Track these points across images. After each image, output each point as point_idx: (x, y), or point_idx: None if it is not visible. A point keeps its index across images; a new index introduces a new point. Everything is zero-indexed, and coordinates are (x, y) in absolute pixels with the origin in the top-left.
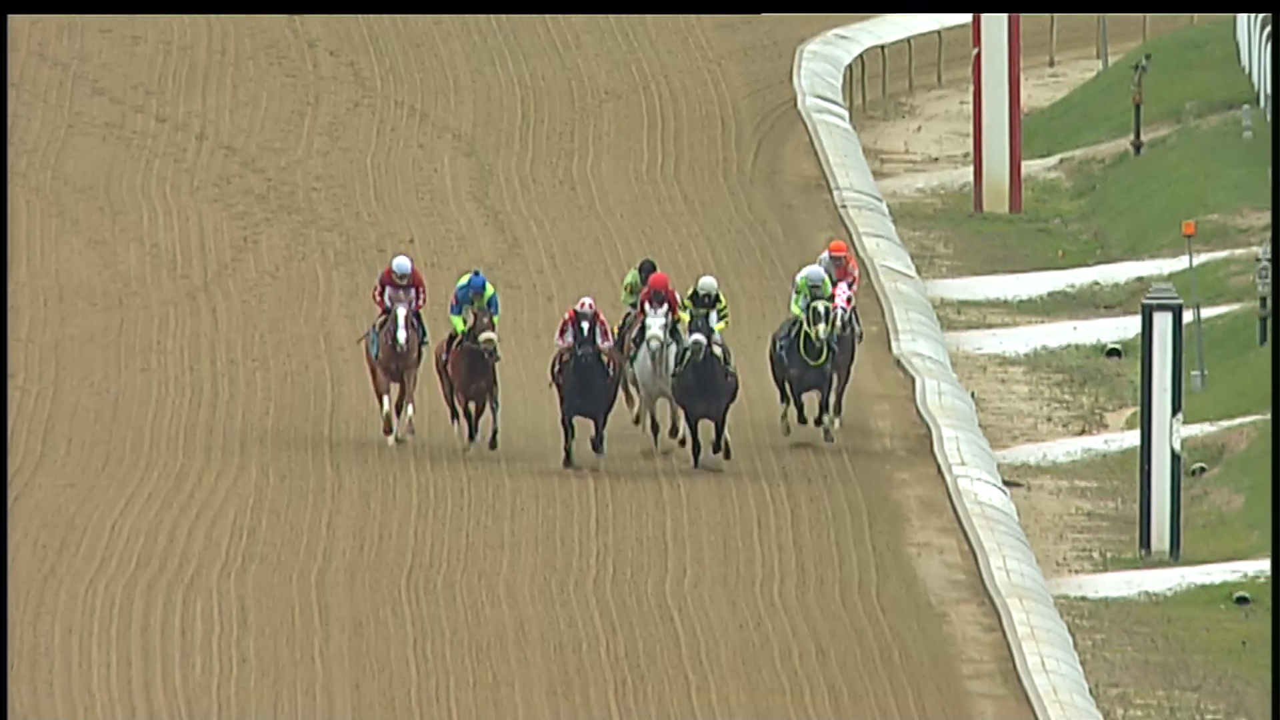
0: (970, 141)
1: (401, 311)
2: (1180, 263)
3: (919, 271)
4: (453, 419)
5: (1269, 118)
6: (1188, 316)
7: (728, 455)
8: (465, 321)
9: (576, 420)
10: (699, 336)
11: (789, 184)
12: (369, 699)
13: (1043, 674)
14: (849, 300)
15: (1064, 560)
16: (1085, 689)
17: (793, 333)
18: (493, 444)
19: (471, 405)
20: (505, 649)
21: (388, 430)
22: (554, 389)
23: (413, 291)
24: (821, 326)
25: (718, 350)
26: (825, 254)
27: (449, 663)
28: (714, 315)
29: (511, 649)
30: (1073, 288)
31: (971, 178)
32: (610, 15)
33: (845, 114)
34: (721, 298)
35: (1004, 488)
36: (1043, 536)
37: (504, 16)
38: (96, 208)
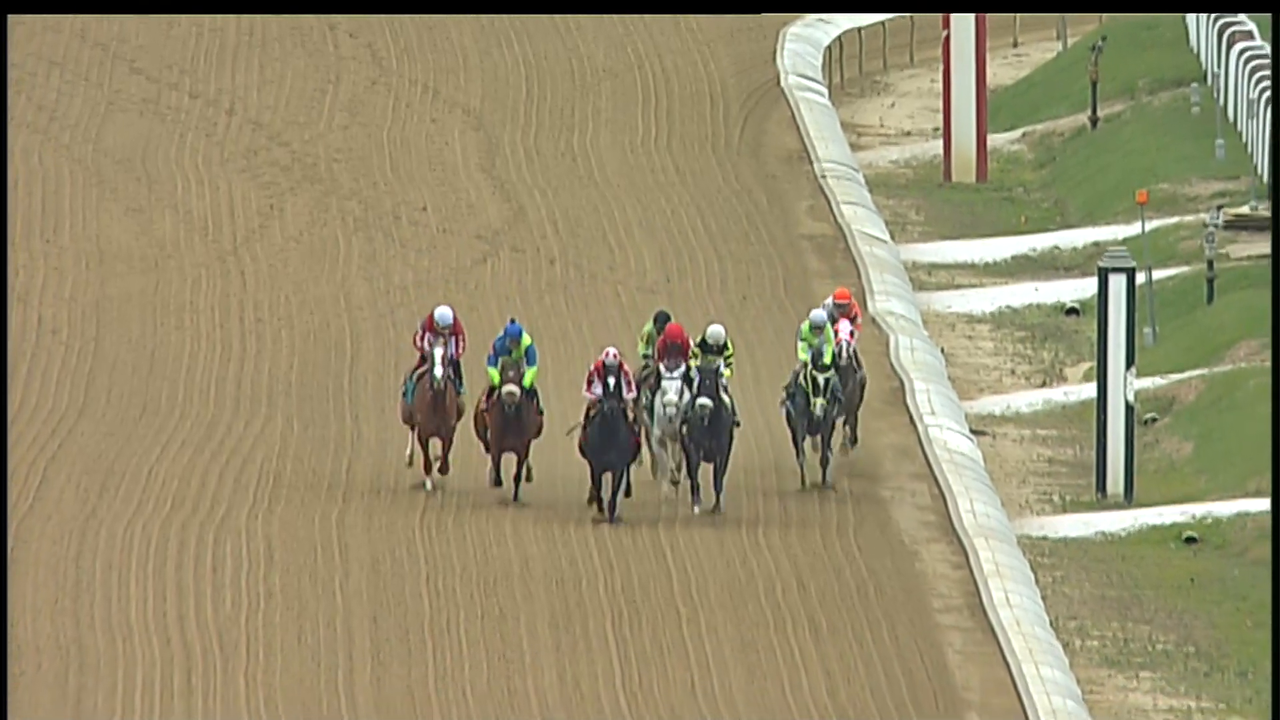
0: (940, 116)
1: (439, 352)
2: (1133, 228)
3: (892, 236)
4: (495, 466)
5: (1267, 113)
6: (1140, 278)
7: (720, 503)
8: (502, 375)
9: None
10: (705, 400)
11: (772, 156)
12: (385, 631)
13: (1007, 608)
14: (852, 334)
15: (1026, 503)
16: (1046, 622)
17: (799, 380)
18: (517, 479)
19: (506, 457)
20: (511, 584)
21: (410, 463)
22: (577, 439)
23: (454, 341)
24: (820, 402)
25: (725, 400)
26: (830, 300)
27: (459, 597)
28: (721, 363)
29: (517, 584)
30: (1034, 251)
31: (941, 150)
32: (613, 12)
33: (825, 91)
34: (729, 345)
35: (971, 436)
36: (1007, 481)
37: None
38: (134, 178)
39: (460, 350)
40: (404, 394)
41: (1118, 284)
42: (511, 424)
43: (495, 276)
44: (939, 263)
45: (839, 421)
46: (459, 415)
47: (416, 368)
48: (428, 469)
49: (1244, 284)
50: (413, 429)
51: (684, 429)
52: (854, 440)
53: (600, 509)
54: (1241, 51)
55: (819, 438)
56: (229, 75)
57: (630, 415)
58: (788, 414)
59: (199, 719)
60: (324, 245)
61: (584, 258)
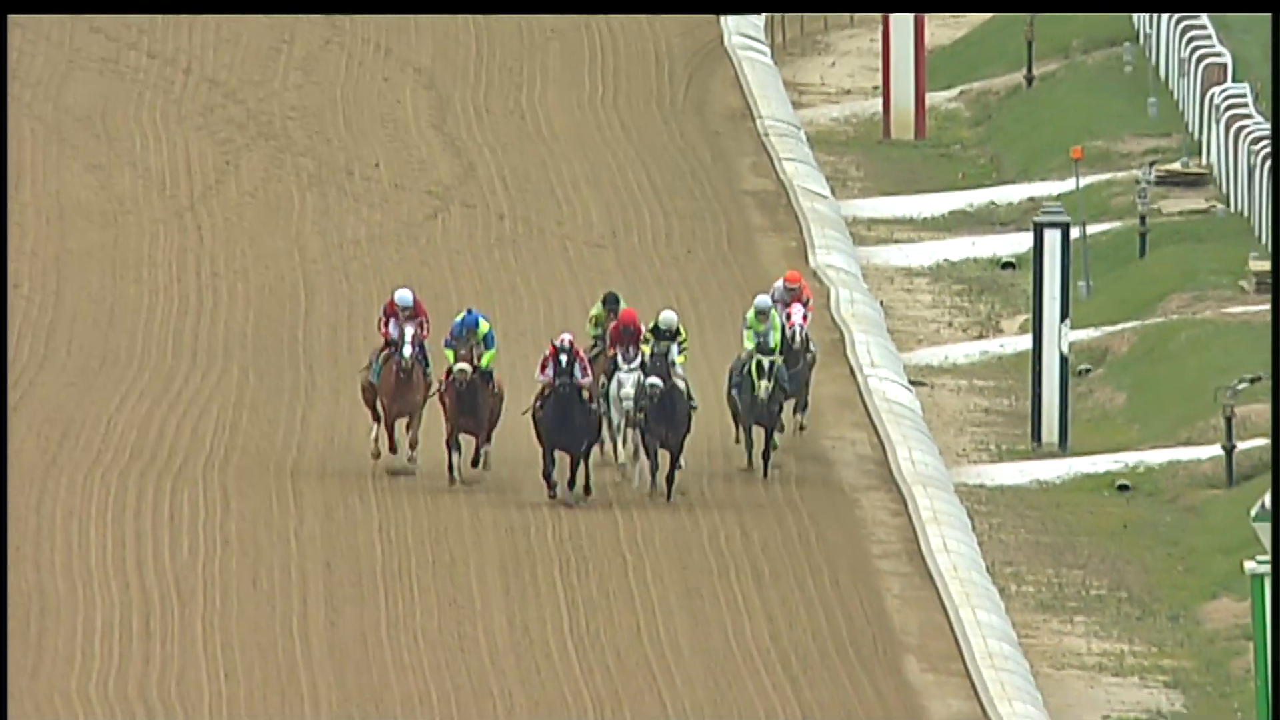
0: (879, 75)
1: (409, 330)
2: (1068, 184)
3: (833, 192)
4: (448, 449)
5: (1270, 108)
6: (1075, 233)
7: (672, 484)
8: (456, 355)
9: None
10: (655, 380)
11: (716, 113)
12: (339, 576)
13: (944, 554)
14: (805, 318)
15: (963, 452)
16: (982, 567)
17: (744, 369)
18: (475, 461)
19: (461, 441)
20: (461, 532)
21: (376, 456)
22: (532, 423)
23: (417, 322)
24: (764, 384)
25: (679, 383)
26: (780, 283)
27: (411, 544)
28: (674, 348)
29: (466, 532)
30: (971, 207)
31: (880, 108)
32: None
33: (767, 51)
34: (682, 330)
35: (910, 386)
36: (944, 430)
37: None
38: (94, 135)
39: (425, 332)
40: (373, 373)
41: (1052, 239)
42: (466, 404)
43: (446, 231)
44: (878, 218)
45: (788, 408)
46: (426, 394)
47: (382, 349)
48: (393, 448)
49: (1176, 238)
50: (374, 414)
51: (641, 416)
52: (802, 426)
53: (551, 489)
54: (1172, 13)
55: (765, 429)
56: (186, 35)
57: (587, 396)
58: (733, 402)
59: (157, 662)
60: (279, 200)
61: (532, 212)
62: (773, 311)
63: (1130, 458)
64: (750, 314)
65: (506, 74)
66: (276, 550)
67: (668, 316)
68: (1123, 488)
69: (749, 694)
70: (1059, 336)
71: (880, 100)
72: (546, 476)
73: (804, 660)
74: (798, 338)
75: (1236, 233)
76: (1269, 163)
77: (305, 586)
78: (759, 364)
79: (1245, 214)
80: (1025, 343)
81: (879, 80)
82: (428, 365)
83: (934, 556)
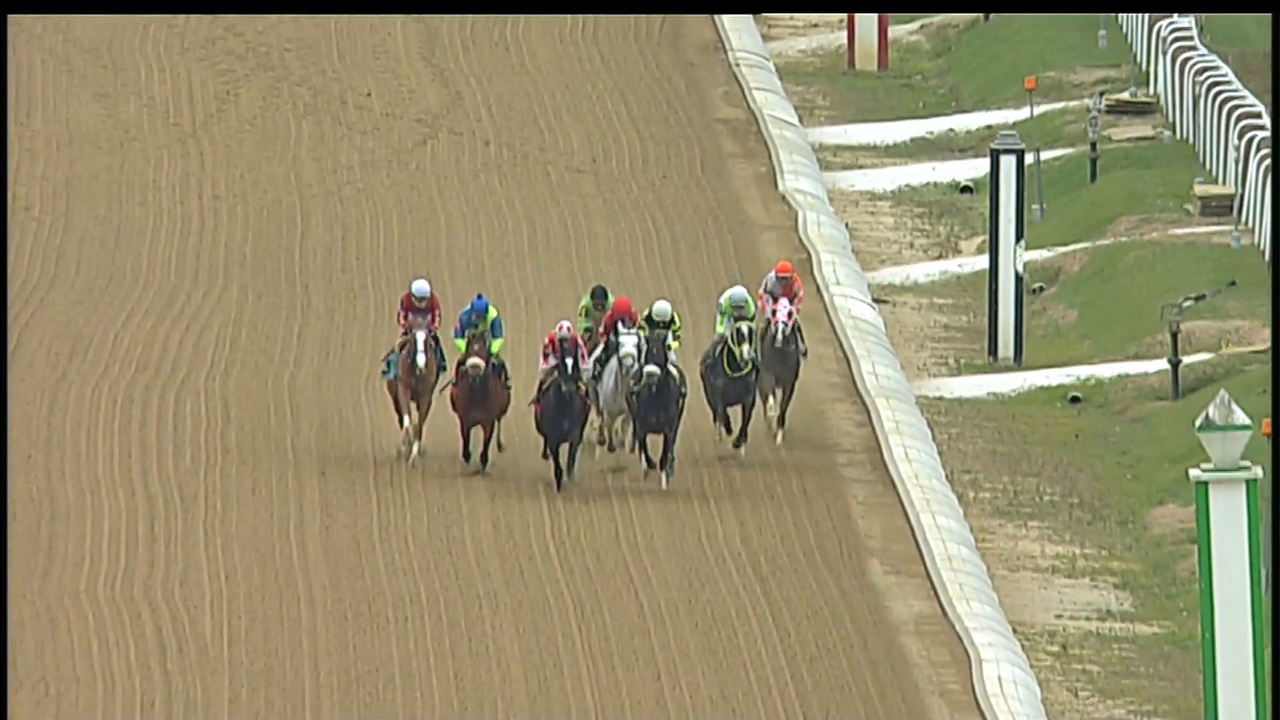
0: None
1: (421, 335)
2: (1023, 113)
3: (801, 120)
4: (462, 438)
5: (1270, 106)
6: (1029, 159)
7: (669, 473)
8: (468, 347)
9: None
10: (653, 368)
11: (690, 46)
12: (333, 484)
13: (906, 462)
14: (790, 314)
15: (924, 366)
16: (942, 475)
17: (717, 351)
18: (484, 457)
19: (474, 431)
20: (449, 443)
21: (408, 444)
22: (533, 417)
23: (430, 315)
24: (745, 347)
25: (674, 371)
26: (772, 274)
27: (401, 453)
28: (669, 335)
29: (454, 442)
30: (931, 134)
31: (845, 40)
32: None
33: None
34: (676, 319)
35: (873, 304)
36: (906, 345)
37: None
38: (101, 66)
39: (437, 324)
40: (384, 370)
41: (1008, 164)
42: (478, 396)
43: (434, 157)
44: (844, 144)
45: (769, 396)
46: (437, 384)
47: (400, 343)
48: (419, 434)
49: (1124, 164)
50: (398, 409)
51: (632, 400)
52: (781, 421)
53: (557, 477)
54: (1171, 13)
55: (741, 407)
56: None
57: (584, 389)
58: (706, 385)
59: (161, 564)
60: (276, 128)
61: (516, 139)
62: (748, 301)
63: (1081, 371)
64: (724, 300)
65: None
66: (274, 459)
67: (661, 306)
68: (1074, 400)
69: (721, 594)
70: (1014, 257)
71: (845, 33)
72: (550, 457)
73: (773, 562)
74: (781, 334)
75: (1182, 159)
76: (1268, 162)
77: (301, 494)
78: (738, 330)
79: (1190, 141)
80: (982, 263)
81: (844, 14)
82: (442, 358)
83: (896, 465)
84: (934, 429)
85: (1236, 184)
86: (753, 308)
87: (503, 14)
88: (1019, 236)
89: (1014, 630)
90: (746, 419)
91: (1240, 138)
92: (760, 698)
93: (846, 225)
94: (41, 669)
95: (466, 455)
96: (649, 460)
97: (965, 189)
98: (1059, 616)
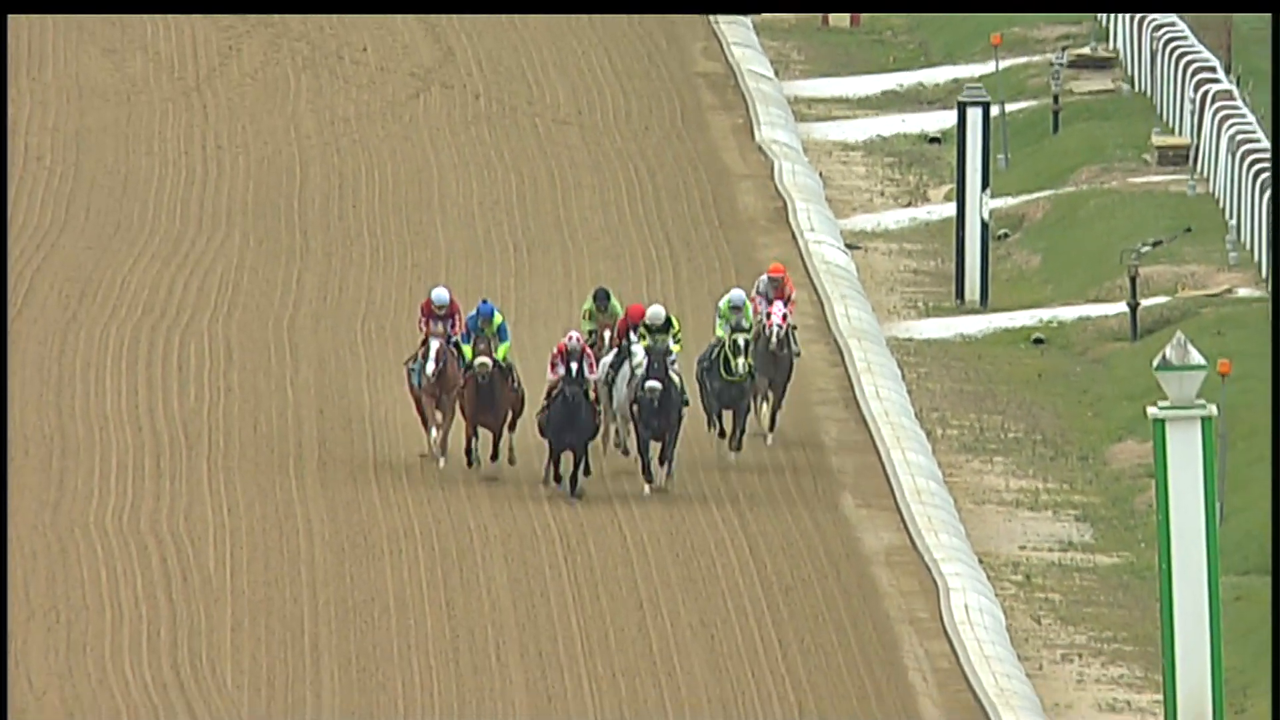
0: None
1: (435, 344)
2: (988, 67)
3: (777, 74)
4: (467, 440)
5: (1270, 111)
6: (994, 111)
7: (669, 471)
8: (475, 350)
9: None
10: (655, 384)
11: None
12: (330, 421)
13: (877, 400)
14: (784, 318)
15: (894, 308)
16: (911, 412)
17: (714, 354)
18: (494, 456)
19: (481, 435)
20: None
21: (435, 456)
22: (537, 425)
23: (450, 321)
24: (742, 360)
25: (675, 379)
26: (764, 276)
27: (395, 392)
28: (670, 341)
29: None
30: (901, 87)
31: None
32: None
33: None
34: (674, 321)
35: (846, 250)
36: (877, 289)
37: None
38: (109, 22)
39: (457, 329)
40: (409, 374)
41: (975, 116)
42: (485, 398)
43: (427, 110)
44: (817, 97)
45: (762, 399)
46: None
47: (419, 350)
48: (443, 446)
49: (1085, 116)
50: (422, 417)
51: (634, 408)
52: (772, 425)
53: (556, 482)
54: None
55: (734, 412)
56: None
57: (592, 396)
58: (702, 387)
59: (167, 498)
60: (276, 82)
61: (505, 93)
62: (746, 305)
63: (1044, 314)
64: (724, 304)
65: None
66: (274, 397)
67: (655, 311)
68: (1038, 341)
69: (700, 527)
70: (980, 204)
71: None
72: (553, 478)
73: (750, 496)
74: (775, 338)
75: (1140, 111)
76: (1267, 175)
77: (300, 430)
78: (734, 342)
79: (1148, 94)
80: (949, 210)
81: None
82: (462, 359)
83: (868, 403)
84: (904, 369)
85: (1192, 135)
86: (750, 314)
87: (503, 14)
88: (985, 185)
89: (980, 561)
90: (742, 424)
91: (1195, 91)
92: (738, 625)
93: (820, 174)
94: (52, 598)
95: (470, 458)
96: (647, 464)
97: (933, 140)
98: (1023, 548)
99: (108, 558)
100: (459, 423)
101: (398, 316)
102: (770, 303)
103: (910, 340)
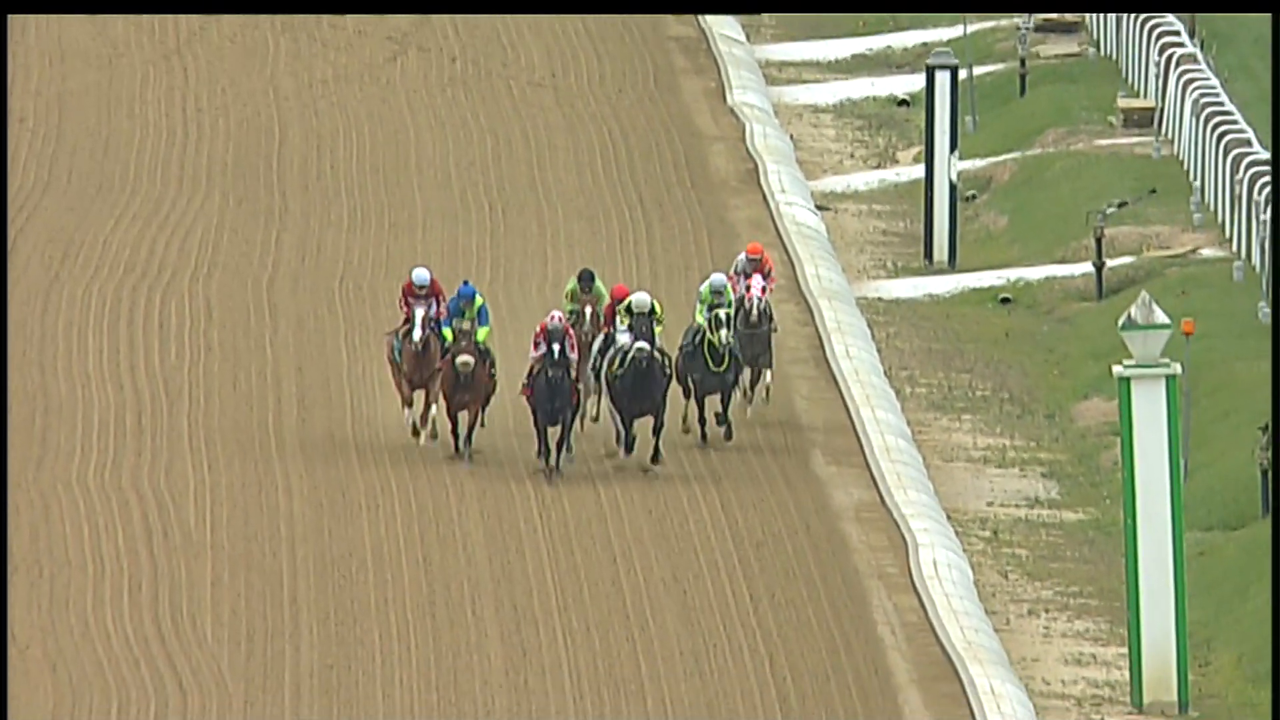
0: None
1: (419, 312)
2: (956, 31)
3: (748, 38)
4: (451, 423)
5: (1270, 112)
6: (962, 74)
7: (656, 459)
8: (454, 333)
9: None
10: (643, 344)
11: None
12: (309, 379)
13: (847, 359)
14: (764, 290)
15: (864, 268)
16: (880, 371)
17: (697, 339)
18: (469, 437)
19: (460, 416)
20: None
21: (415, 434)
22: (526, 402)
23: (432, 301)
24: (724, 333)
25: (658, 355)
26: (742, 255)
27: (372, 350)
28: (651, 323)
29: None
30: (871, 51)
31: None
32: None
33: None
34: (657, 308)
35: (816, 211)
36: (847, 249)
37: None
38: None
39: (440, 310)
40: (393, 355)
41: (943, 79)
42: (463, 381)
43: (404, 72)
44: (788, 61)
45: (744, 379)
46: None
47: (400, 327)
48: (424, 421)
49: (1052, 79)
50: (401, 394)
51: (615, 383)
52: (767, 395)
53: (546, 463)
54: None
55: (720, 396)
56: None
57: (574, 375)
58: (685, 378)
59: (148, 455)
60: (255, 45)
61: (481, 56)
62: (727, 288)
63: (1011, 274)
64: (704, 288)
65: None
66: (253, 355)
67: (641, 298)
68: (1004, 300)
69: (673, 484)
70: (948, 166)
71: None
72: (541, 454)
73: (721, 454)
74: (755, 310)
75: (1106, 74)
76: (1268, 189)
77: (279, 388)
78: (716, 316)
79: (1113, 58)
80: (918, 172)
81: None
82: (443, 340)
83: (838, 362)
84: (873, 328)
85: (1157, 98)
86: (730, 296)
87: (501, 14)
88: (953, 147)
89: (948, 517)
90: (726, 404)
91: (1160, 54)
92: (710, 580)
93: (791, 137)
94: (36, 553)
95: (457, 448)
96: (631, 440)
97: (902, 103)
98: (990, 504)
99: (90, 513)
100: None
101: (375, 276)
102: (749, 279)
103: (879, 300)
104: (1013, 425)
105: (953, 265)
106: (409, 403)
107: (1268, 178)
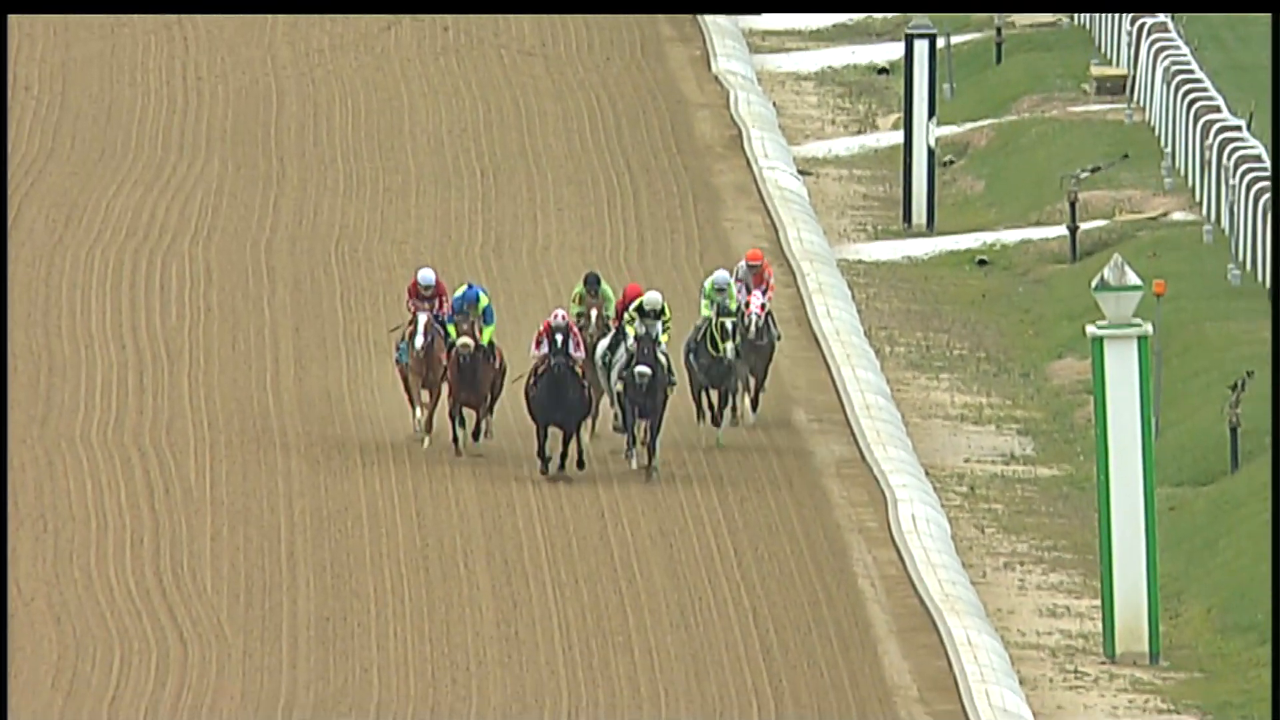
0: None
1: (422, 318)
2: None
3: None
4: (451, 421)
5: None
6: (940, 43)
7: (651, 458)
8: (458, 330)
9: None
10: (644, 369)
11: None
12: (306, 339)
13: (828, 320)
14: (763, 307)
15: (844, 231)
16: (861, 331)
17: (701, 334)
18: (475, 435)
19: (468, 411)
20: None
21: (421, 440)
22: (525, 399)
23: (436, 301)
24: (730, 345)
25: (661, 359)
26: (743, 262)
27: (367, 311)
28: (659, 326)
29: None
30: (851, 20)
31: None
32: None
33: None
34: (666, 310)
35: (798, 175)
36: (828, 213)
37: None
38: None
39: (444, 311)
40: (397, 357)
41: (921, 48)
42: (467, 378)
43: (398, 42)
44: (771, 29)
45: (742, 386)
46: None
47: (405, 328)
48: (429, 427)
49: (1027, 48)
50: (409, 396)
51: (621, 387)
52: (755, 406)
53: (542, 460)
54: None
55: (720, 391)
56: None
57: (580, 373)
58: (689, 367)
59: (149, 413)
60: (253, 15)
61: (473, 25)
62: (730, 285)
63: (988, 236)
64: (708, 284)
65: None
66: (252, 316)
67: (653, 296)
68: (981, 262)
69: (661, 447)
70: (927, 132)
71: None
72: (540, 454)
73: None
74: (753, 327)
75: (1080, 42)
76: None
77: (277, 348)
78: (722, 325)
79: (1086, 26)
80: (897, 137)
81: None
82: (447, 338)
83: (819, 322)
84: (853, 289)
85: (1129, 66)
86: (735, 295)
87: (502, 14)
88: (931, 113)
89: (926, 473)
90: (724, 402)
91: (1132, 23)
92: (695, 534)
93: (774, 103)
94: (40, 508)
95: (456, 446)
96: (633, 441)
97: (882, 70)
98: (967, 460)
99: (93, 469)
100: (442, 405)
101: (370, 239)
102: (749, 291)
103: (860, 262)
104: (989, 384)
105: (931, 228)
106: (419, 403)
107: (1236, 143)
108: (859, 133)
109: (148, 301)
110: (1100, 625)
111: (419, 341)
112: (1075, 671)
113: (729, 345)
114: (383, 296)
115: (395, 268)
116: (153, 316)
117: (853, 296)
